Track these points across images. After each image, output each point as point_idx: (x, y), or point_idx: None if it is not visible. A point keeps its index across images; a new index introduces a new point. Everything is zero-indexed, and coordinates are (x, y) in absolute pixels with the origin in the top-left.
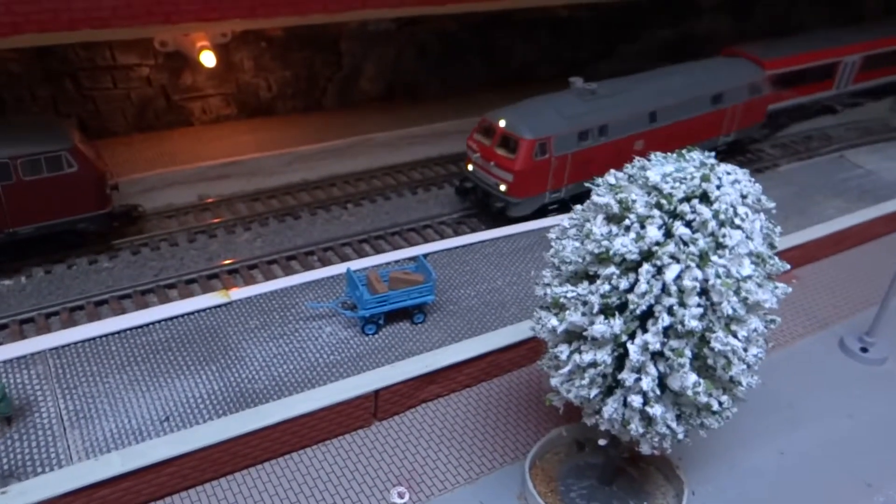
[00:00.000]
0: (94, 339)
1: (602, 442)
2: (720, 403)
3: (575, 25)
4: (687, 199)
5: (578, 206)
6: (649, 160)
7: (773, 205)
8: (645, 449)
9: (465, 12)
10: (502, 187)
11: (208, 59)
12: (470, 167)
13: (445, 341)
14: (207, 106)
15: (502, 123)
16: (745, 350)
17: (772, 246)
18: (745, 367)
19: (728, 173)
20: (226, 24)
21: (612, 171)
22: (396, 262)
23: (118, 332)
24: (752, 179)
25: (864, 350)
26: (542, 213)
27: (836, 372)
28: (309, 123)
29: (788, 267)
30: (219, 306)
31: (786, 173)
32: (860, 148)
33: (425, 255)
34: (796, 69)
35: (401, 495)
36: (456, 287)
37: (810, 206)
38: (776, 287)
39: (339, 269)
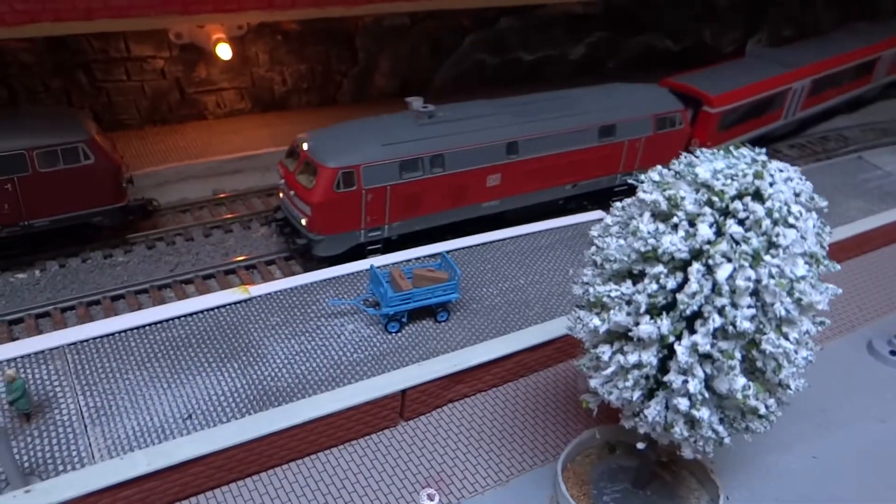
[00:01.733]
0: (112, 334)
1: (640, 445)
2: (766, 407)
3: (589, 22)
4: (739, 196)
5: (618, 203)
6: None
7: (825, 203)
8: (687, 453)
9: (480, 7)
10: (303, 221)
11: (224, 51)
12: (281, 195)
13: (470, 340)
14: (221, 99)
15: (305, 147)
16: (796, 352)
17: (822, 247)
18: (794, 369)
19: (780, 170)
20: (243, 15)
21: (658, 167)
22: (417, 258)
23: (137, 328)
24: (804, 177)
25: (894, 353)
26: (359, 253)
27: (866, 375)
28: (323, 118)
29: (839, 267)
30: (238, 302)
31: (804, 174)
32: (878, 149)
33: (447, 253)
34: (746, 103)
35: (430, 497)
36: (478, 285)
37: (831, 208)
38: (826, 288)
39: (360, 265)
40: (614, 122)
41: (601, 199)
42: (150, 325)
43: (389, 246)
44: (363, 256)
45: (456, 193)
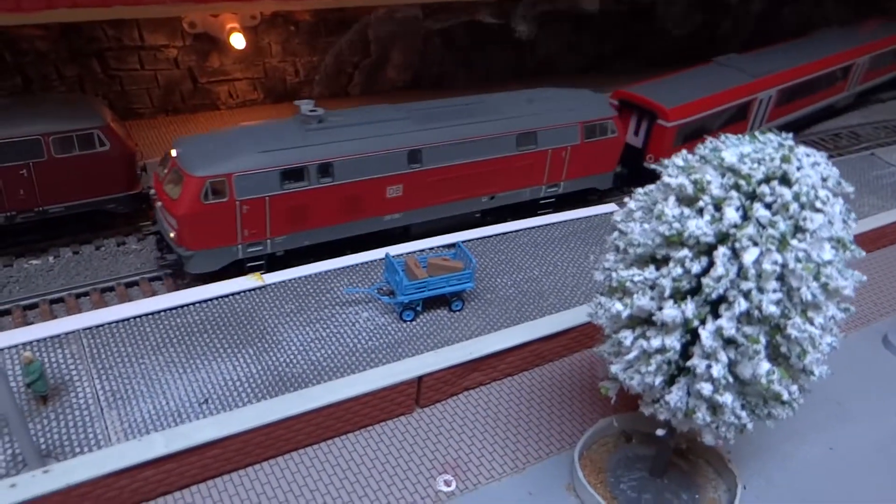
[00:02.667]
0: (127, 319)
1: (660, 432)
2: (789, 393)
3: (600, 19)
4: (766, 180)
5: (640, 189)
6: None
7: (851, 189)
8: (708, 439)
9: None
10: (172, 234)
11: (238, 41)
12: (159, 204)
13: (484, 329)
14: (234, 90)
15: (174, 153)
16: (820, 338)
17: (848, 232)
18: (819, 355)
19: (808, 155)
20: (258, 4)
21: (684, 151)
22: (431, 248)
23: (152, 314)
24: (830, 162)
25: None
26: (237, 269)
27: (881, 369)
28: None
29: (865, 254)
30: (253, 290)
31: None
32: (891, 146)
33: (462, 243)
34: (705, 115)
35: (447, 483)
36: (492, 276)
37: None
38: (852, 274)
39: (374, 254)
40: (535, 129)
41: (525, 212)
42: (165, 310)
43: (275, 263)
44: (242, 273)
45: (349, 205)
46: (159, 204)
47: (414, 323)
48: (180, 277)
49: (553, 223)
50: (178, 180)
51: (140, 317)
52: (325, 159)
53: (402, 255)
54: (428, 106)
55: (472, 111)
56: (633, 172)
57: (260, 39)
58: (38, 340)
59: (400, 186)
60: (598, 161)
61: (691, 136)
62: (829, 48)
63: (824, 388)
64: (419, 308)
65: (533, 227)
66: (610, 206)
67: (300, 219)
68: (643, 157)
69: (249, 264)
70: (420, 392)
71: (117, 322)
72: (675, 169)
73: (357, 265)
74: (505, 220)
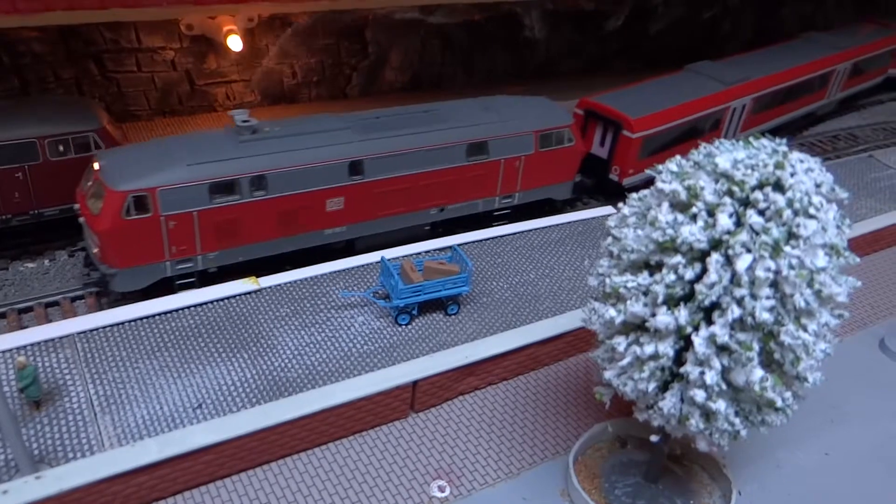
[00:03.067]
0: (122, 323)
1: (654, 438)
2: (783, 400)
3: (600, 19)
4: (760, 186)
5: (635, 195)
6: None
7: (846, 195)
8: (702, 446)
9: (492, 1)
10: (95, 251)
11: (235, 43)
12: (81, 219)
13: (480, 333)
14: (231, 92)
15: (96, 165)
16: (814, 344)
17: (842, 238)
18: (812, 362)
19: (801, 161)
20: (255, 6)
21: (677, 157)
22: (427, 252)
23: (147, 317)
24: (824, 168)
25: None
26: (167, 288)
27: (877, 373)
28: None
29: (859, 260)
30: (248, 293)
31: None
32: (889, 148)
33: (458, 246)
34: (673, 125)
35: (441, 489)
36: (488, 279)
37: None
38: (846, 280)
39: (370, 257)
40: (486, 139)
41: (478, 224)
42: (160, 314)
43: (207, 279)
44: (172, 291)
45: (287, 220)
46: (82, 219)
47: (409, 327)
48: (105, 295)
49: (549, 226)
50: (99, 194)
51: (135, 321)
52: (258, 172)
53: (397, 258)
54: (372, 115)
55: (419, 120)
56: (600, 184)
57: (257, 41)
58: (32, 344)
59: (341, 199)
60: (555, 171)
61: (660, 148)
62: (808, 54)
63: (820, 392)
64: (415, 312)
65: (530, 230)
66: (607, 209)
67: (233, 234)
68: (609, 168)
69: (179, 282)
70: (415, 397)
71: (112, 326)
72: (669, 174)
73: (353, 268)
74: (456, 233)
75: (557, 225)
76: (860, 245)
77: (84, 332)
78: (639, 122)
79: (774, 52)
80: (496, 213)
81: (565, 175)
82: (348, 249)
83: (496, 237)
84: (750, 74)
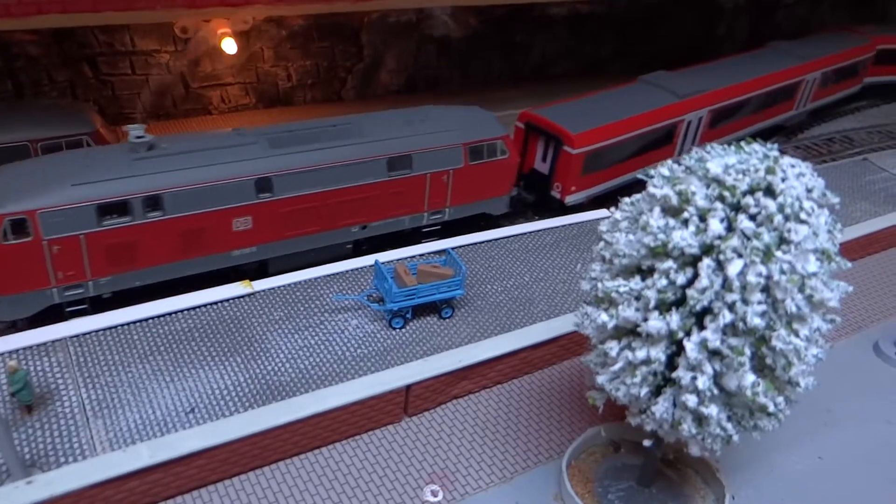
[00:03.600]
0: (115, 327)
1: (647, 443)
2: (775, 405)
3: (595, 22)
4: (751, 191)
5: (627, 199)
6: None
7: (837, 200)
8: (694, 451)
9: (486, 5)
10: None
11: (229, 45)
12: None
13: (474, 337)
14: (226, 94)
15: None
16: (806, 349)
17: (834, 243)
18: (804, 367)
19: (793, 166)
20: (250, 9)
21: (669, 161)
22: (421, 255)
23: (140, 321)
24: (816, 173)
25: None
26: (56, 315)
27: (872, 376)
28: (328, 115)
29: (850, 265)
30: (242, 296)
31: None
32: (884, 151)
33: (452, 249)
34: (620, 140)
35: (434, 493)
36: (482, 282)
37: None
38: (838, 285)
39: (364, 261)
40: (409, 152)
41: (406, 241)
42: (152, 318)
43: (103, 305)
44: (62, 318)
45: (188, 241)
46: None
47: (403, 330)
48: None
49: (544, 229)
50: None
51: (128, 324)
52: (152, 191)
53: (391, 261)
54: (283, 129)
55: (334, 134)
56: (544, 199)
57: (252, 44)
58: (24, 348)
59: (249, 218)
60: (488, 185)
61: (608, 164)
62: (772, 65)
63: (814, 396)
64: (409, 315)
65: (524, 234)
66: (601, 213)
67: (127, 258)
68: (550, 185)
69: (69, 308)
70: (408, 401)
71: (105, 329)
72: (661, 179)
73: (347, 272)
74: (384, 250)
75: (552, 228)
76: (854, 248)
77: (76, 335)
78: (580, 138)
79: (736, 63)
80: (425, 230)
81: (500, 189)
82: (261, 271)
83: (490, 240)
84: (706, 86)
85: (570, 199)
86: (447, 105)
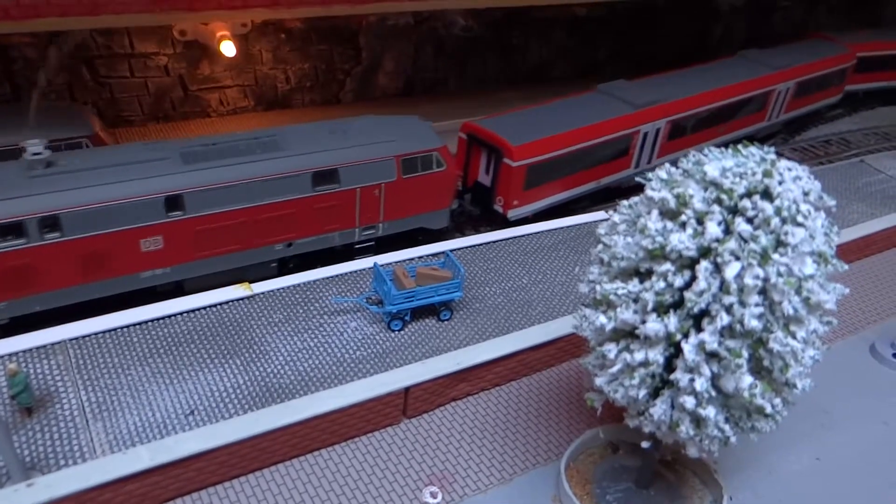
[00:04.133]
0: (115, 329)
1: (645, 444)
2: (773, 406)
3: (592, 25)
4: (748, 194)
5: (625, 202)
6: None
7: (833, 202)
8: (692, 452)
9: (484, 7)
10: None
11: (228, 48)
12: None
13: (473, 339)
14: (225, 97)
15: None
16: (803, 351)
17: (830, 246)
18: (801, 369)
19: (789, 169)
20: (248, 13)
21: (666, 165)
22: (420, 257)
23: (139, 324)
24: (812, 176)
25: None
26: None
27: (868, 378)
28: (326, 117)
29: (847, 267)
30: (241, 299)
31: None
32: (880, 153)
33: (451, 252)
34: (566, 152)
35: (433, 495)
36: (481, 285)
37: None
38: (834, 287)
39: (362, 263)
40: (335, 166)
41: (338, 258)
42: (152, 320)
43: (3, 331)
44: None
45: (91, 264)
46: None
47: (402, 333)
48: None
49: (542, 231)
50: None
51: (127, 327)
52: (49, 211)
53: (390, 264)
54: (198, 142)
55: (253, 148)
56: (488, 212)
57: (251, 47)
58: (23, 351)
59: (159, 238)
60: (424, 198)
61: (555, 177)
62: (740, 74)
63: (811, 397)
64: (407, 318)
65: (522, 236)
66: (600, 214)
67: (23, 282)
68: (493, 198)
69: None
70: (407, 403)
71: (104, 332)
72: (659, 182)
73: (346, 274)
74: (314, 268)
75: (550, 230)
76: (851, 250)
77: (76, 338)
78: (521, 150)
79: (702, 72)
80: (357, 246)
81: (438, 203)
82: (178, 292)
83: (489, 242)
84: (665, 96)
85: (512, 214)
86: (384, 115)
